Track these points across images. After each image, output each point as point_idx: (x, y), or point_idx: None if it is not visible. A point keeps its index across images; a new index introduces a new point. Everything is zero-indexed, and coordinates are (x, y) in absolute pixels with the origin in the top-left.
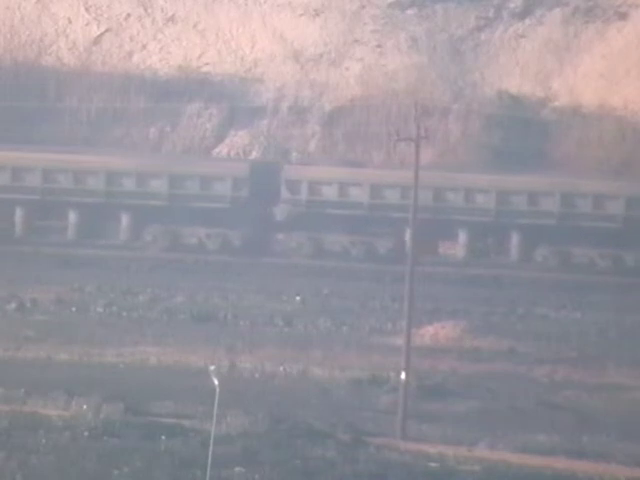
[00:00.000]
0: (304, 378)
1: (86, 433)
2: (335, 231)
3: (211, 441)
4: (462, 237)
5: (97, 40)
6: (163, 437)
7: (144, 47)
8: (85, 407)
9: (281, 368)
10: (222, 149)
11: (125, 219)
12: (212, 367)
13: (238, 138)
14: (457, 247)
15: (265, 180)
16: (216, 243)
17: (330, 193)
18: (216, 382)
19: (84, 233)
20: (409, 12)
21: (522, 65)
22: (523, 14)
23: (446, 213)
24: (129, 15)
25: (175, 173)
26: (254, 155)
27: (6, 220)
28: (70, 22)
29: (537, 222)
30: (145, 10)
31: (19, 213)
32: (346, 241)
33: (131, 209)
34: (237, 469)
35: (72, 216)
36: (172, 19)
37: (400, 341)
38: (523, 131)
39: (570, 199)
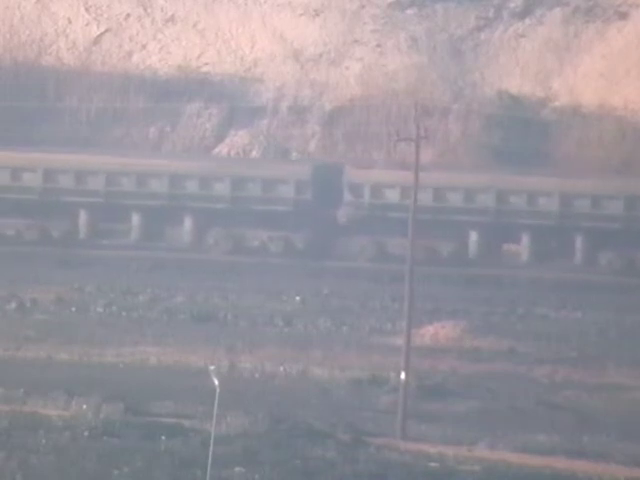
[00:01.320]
0: (304, 378)
1: (86, 433)
2: (398, 234)
3: (211, 441)
4: (525, 240)
5: (97, 40)
6: (163, 437)
7: (144, 47)
8: (85, 407)
9: (281, 368)
10: (222, 149)
11: (188, 222)
12: (212, 367)
13: (238, 138)
14: (521, 250)
15: (327, 183)
16: (279, 246)
17: (393, 196)
18: (216, 382)
19: (147, 236)
20: (409, 12)
21: (522, 65)
22: (523, 14)
23: (509, 216)
24: (129, 15)
25: (238, 176)
26: (254, 155)
27: (70, 223)
28: (70, 22)
29: (601, 225)
30: (145, 10)
31: (83, 216)
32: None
33: (194, 212)
34: (237, 469)
35: (135, 219)
36: (172, 19)
37: (400, 341)
38: (523, 131)
39: (634, 202)
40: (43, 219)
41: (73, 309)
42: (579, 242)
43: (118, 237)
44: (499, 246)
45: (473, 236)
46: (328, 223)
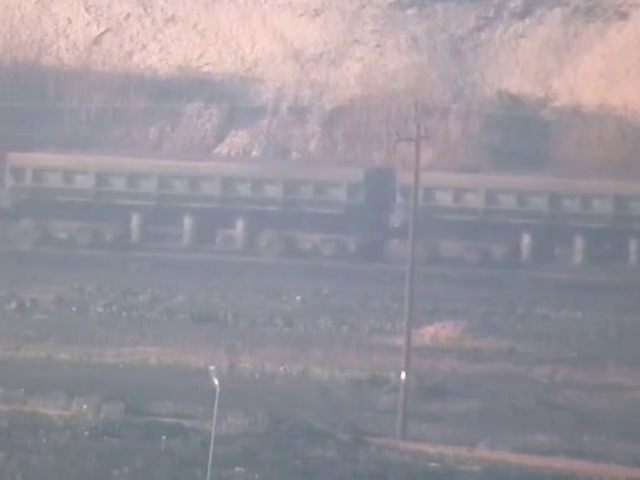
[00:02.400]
0: (304, 378)
1: (86, 433)
2: (450, 237)
3: (211, 441)
4: (579, 243)
5: (97, 40)
6: (163, 437)
7: (144, 47)
8: (85, 407)
9: (281, 368)
10: (222, 149)
11: (240, 225)
12: (212, 367)
13: (238, 138)
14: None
15: (380, 186)
16: (331, 249)
17: (445, 199)
18: (216, 382)
19: (199, 239)
20: (409, 12)
21: (522, 65)
22: (523, 14)
23: (562, 219)
24: (129, 15)
25: (290, 179)
26: (253, 155)
27: (122, 226)
28: (70, 22)
29: None
30: (145, 10)
31: (135, 219)
32: (461, 247)
33: (246, 215)
34: (237, 469)
35: (187, 222)
36: (172, 19)
37: (400, 341)
38: (523, 131)
39: None
40: (96, 222)
41: (73, 309)
42: (633, 244)
43: (170, 240)
44: (552, 249)
45: (526, 239)
46: (380, 226)
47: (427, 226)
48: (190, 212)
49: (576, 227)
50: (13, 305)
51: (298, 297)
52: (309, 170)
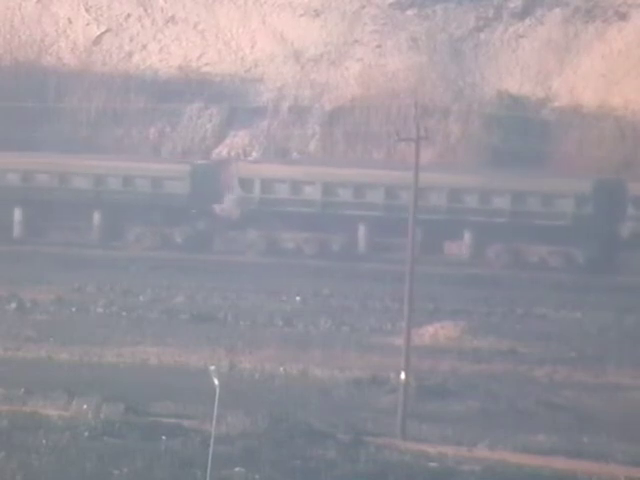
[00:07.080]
0: (304, 378)
1: (86, 433)
2: None
3: (211, 441)
4: None
5: (97, 40)
6: (163, 437)
7: (144, 47)
8: (85, 407)
9: (281, 368)
10: (222, 149)
11: (467, 236)
12: (212, 367)
13: (238, 138)
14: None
15: (610, 197)
16: (558, 261)
17: None
18: (216, 382)
19: (426, 250)
20: (409, 12)
21: (522, 65)
22: (523, 14)
23: None
24: (129, 15)
25: (517, 190)
26: (254, 155)
27: (349, 237)
28: (70, 22)
29: None
30: (145, 10)
31: (362, 230)
32: None
33: (473, 226)
34: (237, 469)
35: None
36: (172, 19)
37: (400, 341)
38: (523, 131)
39: None
40: (322, 232)
41: (73, 309)
42: None
43: (397, 251)
44: None
45: None
46: (611, 237)
47: None
48: (417, 223)
49: None
50: (13, 305)
51: (298, 297)
52: (535, 181)
